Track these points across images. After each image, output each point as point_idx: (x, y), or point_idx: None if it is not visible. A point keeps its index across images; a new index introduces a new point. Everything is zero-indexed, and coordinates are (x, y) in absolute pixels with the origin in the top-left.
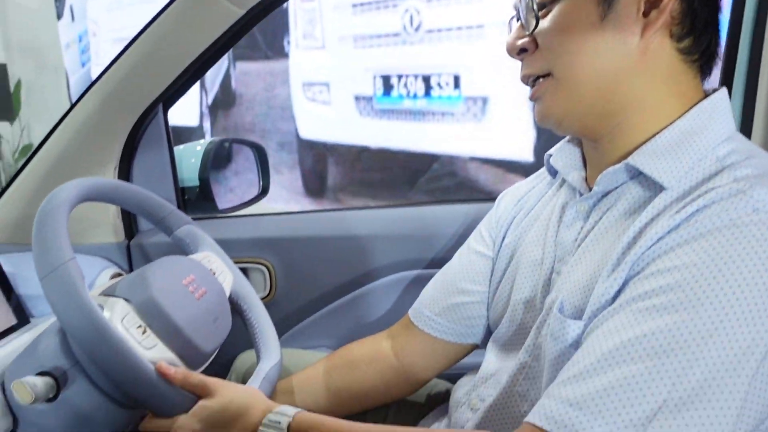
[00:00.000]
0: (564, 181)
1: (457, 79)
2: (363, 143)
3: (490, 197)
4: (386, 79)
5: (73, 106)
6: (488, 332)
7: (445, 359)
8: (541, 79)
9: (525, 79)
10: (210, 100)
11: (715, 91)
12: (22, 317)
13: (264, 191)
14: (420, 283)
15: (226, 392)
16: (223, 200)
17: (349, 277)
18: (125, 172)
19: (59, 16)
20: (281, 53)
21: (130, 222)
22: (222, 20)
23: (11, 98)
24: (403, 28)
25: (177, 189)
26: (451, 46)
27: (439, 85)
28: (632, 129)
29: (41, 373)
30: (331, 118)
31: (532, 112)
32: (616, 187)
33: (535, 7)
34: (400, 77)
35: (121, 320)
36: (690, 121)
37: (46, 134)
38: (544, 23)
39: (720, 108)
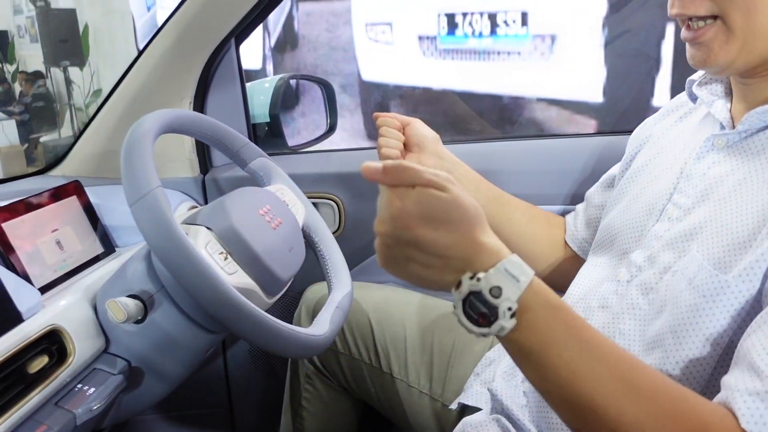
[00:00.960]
0: (706, 111)
1: (524, 17)
2: (426, 84)
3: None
4: (451, 18)
5: (148, 43)
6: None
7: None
8: (705, 22)
9: (678, 17)
10: (273, 43)
11: None
12: (109, 246)
13: (332, 128)
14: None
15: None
16: (293, 137)
17: None
18: (200, 106)
19: None
20: None
21: (204, 157)
22: None
23: (81, 43)
24: None
25: (249, 124)
26: None
27: (505, 22)
28: None
29: (131, 296)
30: (393, 58)
31: (687, 52)
32: (764, 129)
33: None
34: (465, 15)
35: (205, 246)
36: None
37: (124, 71)
38: None
39: None
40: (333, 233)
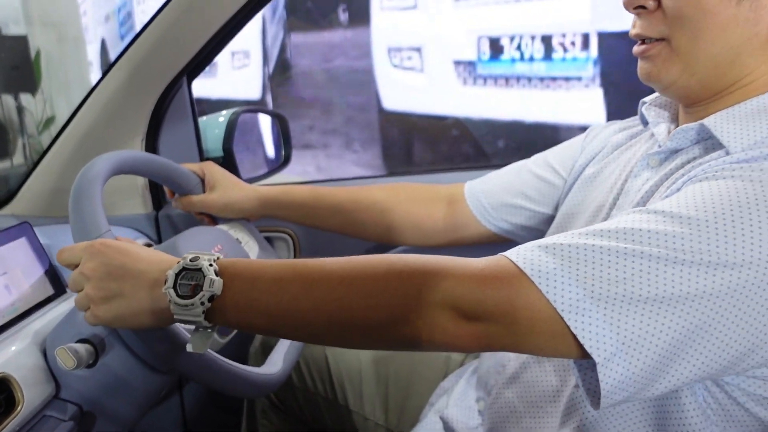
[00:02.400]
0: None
1: (587, 39)
2: (462, 114)
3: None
4: (494, 42)
5: (100, 80)
6: None
7: (479, 240)
8: (655, 41)
9: (636, 37)
10: (271, 72)
11: None
12: (59, 287)
13: (286, 160)
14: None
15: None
16: (247, 170)
17: (372, 245)
18: (152, 143)
19: None
20: (337, 23)
21: (157, 193)
22: None
23: (33, 69)
24: None
25: (202, 159)
26: (577, 3)
27: (562, 46)
28: (730, 99)
29: (81, 341)
30: (422, 86)
31: (638, 66)
32: (686, 147)
33: None
34: (512, 38)
35: None
36: None
37: (74, 109)
38: None
39: None
40: None
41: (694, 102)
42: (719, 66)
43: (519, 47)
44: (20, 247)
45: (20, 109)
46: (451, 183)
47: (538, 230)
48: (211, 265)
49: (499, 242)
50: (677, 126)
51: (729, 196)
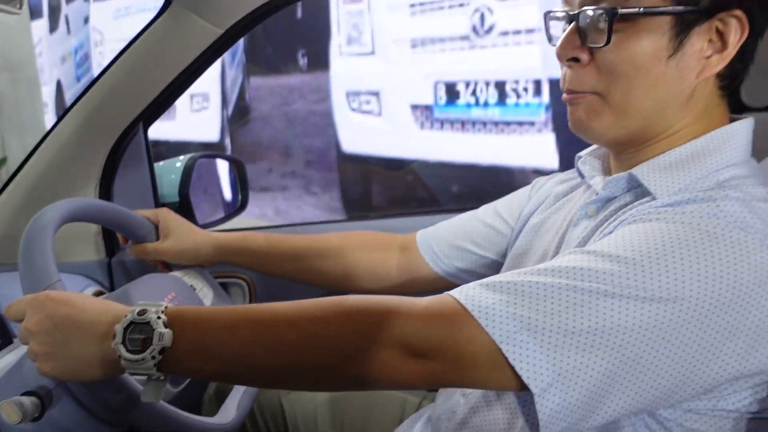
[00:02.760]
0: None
1: (538, 85)
2: (418, 156)
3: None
4: (450, 87)
5: (54, 125)
6: None
7: (432, 287)
8: (587, 95)
9: (568, 92)
10: (230, 115)
11: (739, 119)
12: (6, 337)
13: (243, 205)
14: None
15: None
16: (203, 215)
17: (327, 291)
18: (106, 190)
19: (53, 29)
20: (295, 68)
21: (111, 239)
22: (201, 40)
23: None
24: (472, 30)
25: (157, 206)
26: (529, 50)
27: (515, 92)
28: (656, 148)
29: (27, 393)
30: (380, 129)
31: (568, 118)
32: (619, 195)
33: (610, 26)
34: (468, 84)
35: None
36: (703, 142)
37: (27, 154)
38: (611, 44)
39: (737, 135)
40: None
41: (623, 150)
42: (648, 118)
43: (474, 92)
44: None
45: None
46: (409, 227)
47: (486, 276)
48: (159, 317)
49: (451, 287)
50: (609, 175)
51: (656, 237)
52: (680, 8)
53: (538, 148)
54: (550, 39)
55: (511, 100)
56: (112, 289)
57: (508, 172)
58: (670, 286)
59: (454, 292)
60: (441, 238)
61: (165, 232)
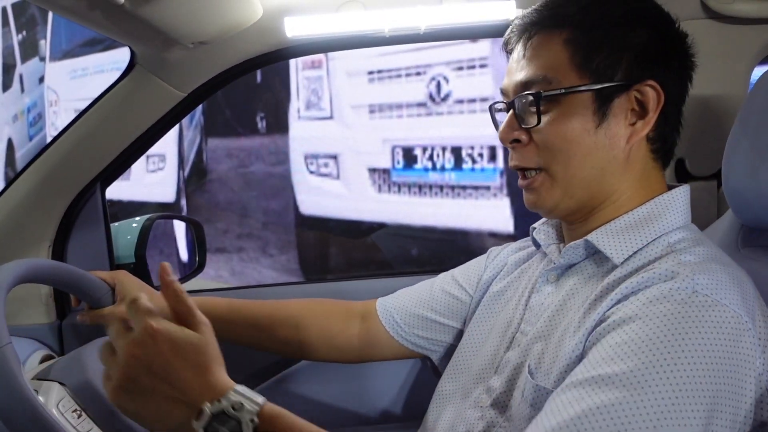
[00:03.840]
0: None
1: (493, 151)
2: (376, 219)
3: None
4: (407, 151)
5: (8, 183)
6: (446, 357)
7: (394, 356)
8: (534, 172)
9: (515, 168)
10: (186, 176)
11: (676, 186)
12: None
13: (200, 266)
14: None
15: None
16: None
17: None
18: (60, 249)
19: (6, 87)
20: (254, 130)
21: (62, 301)
22: (164, 102)
23: None
24: (428, 98)
25: (113, 266)
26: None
27: (471, 157)
28: (604, 214)
29: None
30: (338, 192)
31: (524, 196)
32: (579, 261)
33: (538, 108)
34: (425, 148)
35: (57, 404)
36: (648, 208)
37: None
38: (543, 122)
39: (678, 201)
40: None
41: (573, 220)
42: (590, 186)
43: (431, 157)
44: None
45: None
46: (366, 290)
47: (448, 344)
48: (252, 420)
49: (412, 357)
50: (564, 244)
51: (647, 342)
52: (597, 86)
53: (493, 211)
54: (497, 127)
55: (467, 165)
56: (62, 353)
57: (464, 235)
58: (675, 388)
59: None
60: (402, 307)
61: (122, 295)
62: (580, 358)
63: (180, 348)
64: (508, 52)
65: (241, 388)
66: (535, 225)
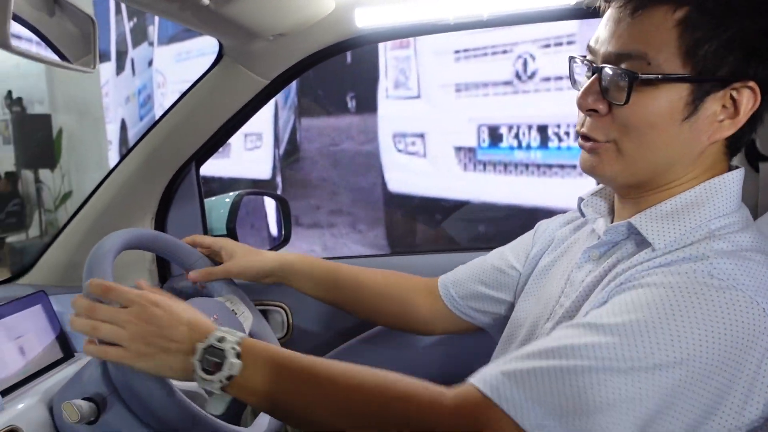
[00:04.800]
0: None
1: None
2: (462, 197)
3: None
4: (493, 130)
5: (117, 163)
6: (500, 330)
7: (456, 329)
8: (602, 143)
9: (583, 136)
10: (281, 154)
11: (733, 168)
12: (68, 352)
13: (286, 239)
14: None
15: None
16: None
17: (360, 320)
18: (161, 221)
19: (120, 71)
20: (344, 110)
21: (164, 267)
22: (249, 89)
23: (53, 147)
24: (515, 76)
25: None
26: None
27: (557, 135)
28: (658, 197)
29: (85, 398)
30: (425, 170)
31: (580, 157)
32: (621, 240)
33: (630, 87)
34: (510, 127)
35: None
36: (696, 192)
37: (94, 188)
38: (629, 102)
39: (728, 185)
40: (281, 338)
41: (628, 193)
42: (656, 171)
43: (517, 136)
44: (35, 314)
45: (39, 184)
46: (449, 264)
47: (502, 317)
48: (233, 348)
49: (473, 331)
50: (613, 218)
51: (651, 304)
52: (698, 77)
53: (578, 190)
54: (573, 82)
55: (553, 143)
56: None
57: (549, 214)
58: (669, 352)
59: (478, 384)
60: (457, 282)
61: (229, 253)
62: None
63: (171, 309)
64: (608, 2)
65: (224, 328)
66: (583, 196)
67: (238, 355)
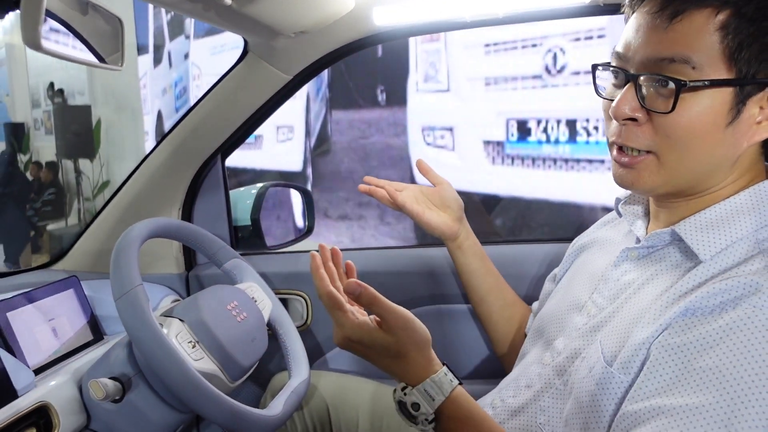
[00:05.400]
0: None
1: None
2: (490, 191)
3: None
4: (522, 124)
5: (147, 155)
6: None
7: None
8: (640, 152)
9: (619, 145)
10: (312, 146)
11: None
12: (98, 334)
13: (309, 230)
14: (448, 315)
15: (401, 335)
16: (272, 238)
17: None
18: (188, 212)
19: (157, 63)
20: (375, 103)
21: (189, 256)
22: (272, 85)
23: (92, 137)
24: (544, 70)
25: (231, 227)
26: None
27: (586, 130)
28: (697, 203)
29: (111, 378)
30: (453, 163)
31: (614, 171)
32: (664, 246)
33: (677, 96)
34: (539, 121)
35: (176, 336)
36: (741, 200)
37: (124, 179)
38: (674, 111)
39: None
40: (301, 326)
41: (665, 200)
42: (697, 178)
43: (545, 130)
44: (68, 297)
45: (78, 174)
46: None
47: None
48: (427, 419)
49: None
50: (649, 219)
51: (734, 373)
52: (743, 82)
53: (607, 185)
54: (597, 89)
55: (582, 138)
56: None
57: (577, 208)
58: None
59: None
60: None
61: (446, 204)
62: (649, 349)
63: (376, 348)
64: (633, 8)
65: (430, 382)
66: (620, 196)
67: (431, 422)
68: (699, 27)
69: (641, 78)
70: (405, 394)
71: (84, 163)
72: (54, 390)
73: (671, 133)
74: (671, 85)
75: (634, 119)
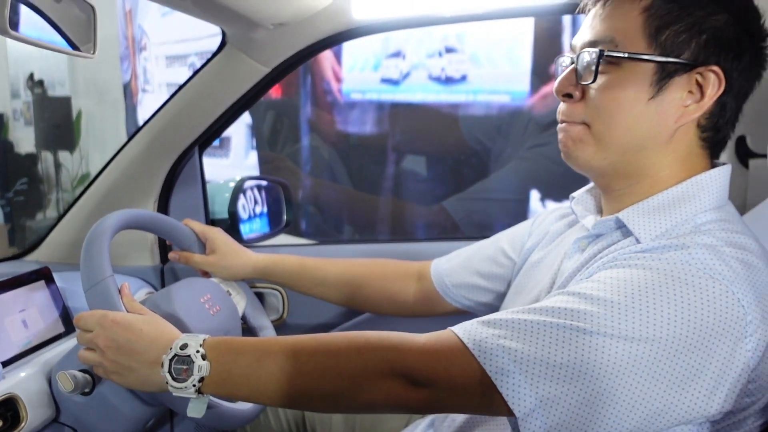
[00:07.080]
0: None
1: None
2: None
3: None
4: None
5: (122, 146)
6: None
7: (444, 312)
8: (576, 125)
9: (561, 122)
10: None
11: (718, 165)
12: (69, 326)
13: (287, 224)
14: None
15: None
16: (249, 231)
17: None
18: (164, 204)
19: None
20: None
21: (165, 248)
22: (251, 77)
23: (73, 128)
24: None
25: (207, 220)
26: None
27: None
28: (640, 189)
29: (82, 370)
30: None
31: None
32: (609, 232)
33: (597, 66)
34: None
35: None
36: (683, 188)
37: (99, 169)
38: (599, 82)
39: (715, 181)
40: (277, 320)
41: (609, 189)
42: (626, 153)
43: None
44: (39, 288)
45: (58, 166)
46: (432, 252)
47: (493, 306)
48: (198, 351)
49: (463, 314)
50: (602, 215)
51: (632, 281)
52: (663, 58)
53: None
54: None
55: None
56: None
57: None
58: (642, 326)
59: (456, 328)
60: (451, 271)
61: (212, 248)
62: None
63: (131, 325)
64: (584, 14)
65: (186, 334)
66: (575, 194)
67: (204, 356)
68: (626, 11)
69: (579, 56)
70: (170, 349)
71: (64, 155)
72: (22, 382)
73: (598, 104)
74: (594, 57)
75: (570, 96)
